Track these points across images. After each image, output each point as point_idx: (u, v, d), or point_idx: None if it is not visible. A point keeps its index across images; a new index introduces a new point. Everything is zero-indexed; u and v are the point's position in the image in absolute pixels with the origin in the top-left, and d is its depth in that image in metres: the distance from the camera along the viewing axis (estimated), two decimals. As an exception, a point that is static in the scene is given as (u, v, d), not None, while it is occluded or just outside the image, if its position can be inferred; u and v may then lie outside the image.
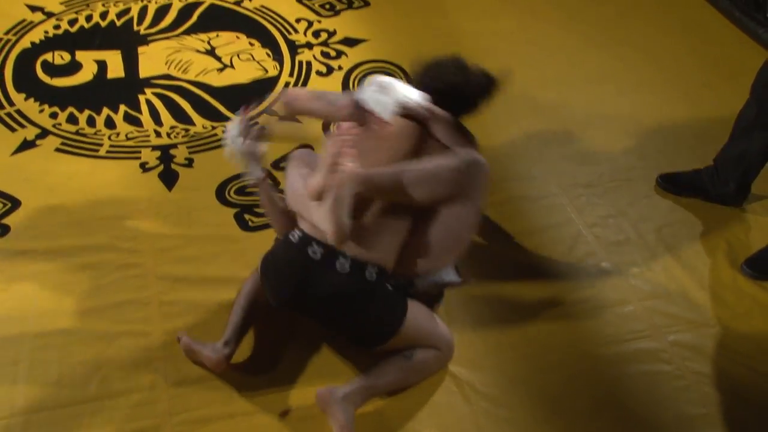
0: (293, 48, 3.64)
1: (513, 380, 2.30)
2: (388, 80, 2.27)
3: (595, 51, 3.71)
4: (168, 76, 3.41)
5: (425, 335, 2.23)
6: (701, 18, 3.99)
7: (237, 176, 2.90)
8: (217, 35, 3.69)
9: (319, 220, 2.15)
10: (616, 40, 3.77)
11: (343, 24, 3.82)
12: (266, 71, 3.48)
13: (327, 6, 3.95)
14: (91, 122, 3.14)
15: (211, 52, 3.58)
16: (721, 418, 2.21)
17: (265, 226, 2.72)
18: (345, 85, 3.42)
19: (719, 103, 3.33)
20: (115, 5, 3.81)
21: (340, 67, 3.53)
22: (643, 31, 3.85)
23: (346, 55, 3.61)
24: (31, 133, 3.08)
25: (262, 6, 3.91)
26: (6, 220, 2.70)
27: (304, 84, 3.42)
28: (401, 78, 3.40)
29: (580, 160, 3.10)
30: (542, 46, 3.72)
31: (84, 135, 3.08)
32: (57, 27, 3.66)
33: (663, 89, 3.49)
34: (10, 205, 2.76)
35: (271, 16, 3.84)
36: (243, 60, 3.54)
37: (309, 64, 3.54)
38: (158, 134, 3.11)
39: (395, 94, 2.22)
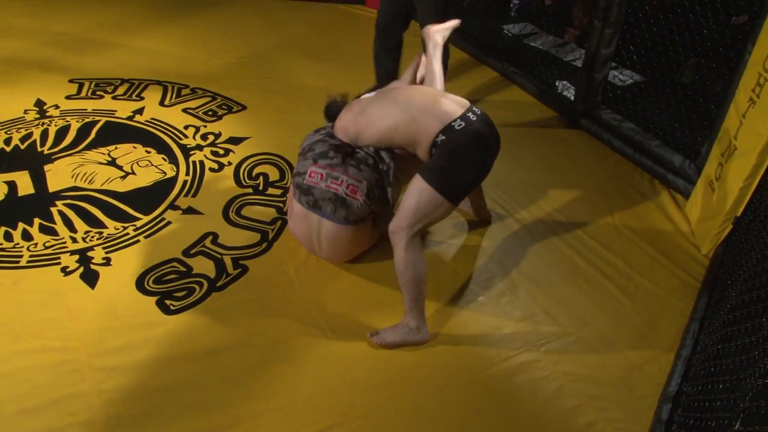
0: (185, 151, 3.71)
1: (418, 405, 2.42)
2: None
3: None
4: (76, 188, 3.38)
5: None
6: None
7: (154, 267, 2.92)
8: (116, 147, 3.71)
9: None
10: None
11: (227, 126, 3.94)
12: (165, 174, 3.53)
13: (210, 113, 4.07)
14: (8, 237, 3.05)
15: (112, 162, 3.59)
16: (591, 407, 2.41)
17: (185, 309, 2.74)
18: (236, 177, 3.52)
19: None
20: (17, 132, 3.75)
21: (229, 163, 3.63)
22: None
23: (234, 152, 3.72)
24: (-51, 254, 2.96)
25: (152, 119, 3.97)
26: (-64, 337, 2.56)
27: (200, 181, 3.49)
28: (284, 166, 3.60)
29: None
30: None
31: (3, 249, 2.99)
32: (-38, 156, 3.56)
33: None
34: (-62, 323, 2.62)
35: (162, 126, 3.90)
36: (142, 166, 3.57)
37: (202, 163, 3.62)
38: (74, 240, 3.06)
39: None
